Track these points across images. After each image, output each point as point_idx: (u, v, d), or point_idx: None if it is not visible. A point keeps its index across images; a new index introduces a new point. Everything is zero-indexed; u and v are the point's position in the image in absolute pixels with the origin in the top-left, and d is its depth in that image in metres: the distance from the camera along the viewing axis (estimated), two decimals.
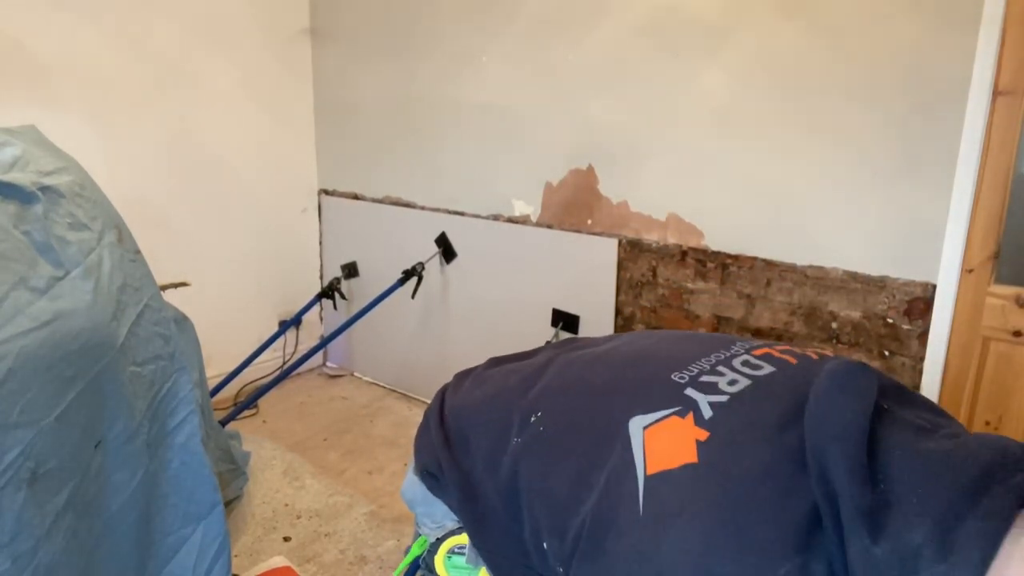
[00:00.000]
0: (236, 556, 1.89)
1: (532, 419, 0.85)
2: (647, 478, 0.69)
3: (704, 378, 0.78)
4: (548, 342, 2.48)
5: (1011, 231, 1.71)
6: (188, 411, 1.59)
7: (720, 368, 0.80)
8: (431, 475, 0.97)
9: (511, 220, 2.62)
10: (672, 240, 2.23)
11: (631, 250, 2.33)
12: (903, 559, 0.56)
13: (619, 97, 2.26)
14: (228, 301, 2.98)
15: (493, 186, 2.66)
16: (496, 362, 1.08)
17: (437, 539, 1.01)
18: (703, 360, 0.82)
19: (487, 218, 2.69)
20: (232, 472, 2.14)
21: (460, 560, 0.98)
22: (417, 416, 2.89)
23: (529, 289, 2.59)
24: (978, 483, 0.58)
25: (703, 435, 0.70)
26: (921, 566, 0.55)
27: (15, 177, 1.33)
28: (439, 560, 1.00)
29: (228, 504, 2.08)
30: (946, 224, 1.76)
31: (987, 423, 1.79)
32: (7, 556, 1.14)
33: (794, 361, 0.81)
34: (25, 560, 1.17)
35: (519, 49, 2.48)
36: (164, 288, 2.59)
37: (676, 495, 0.67)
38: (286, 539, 2.01)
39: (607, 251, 2.37)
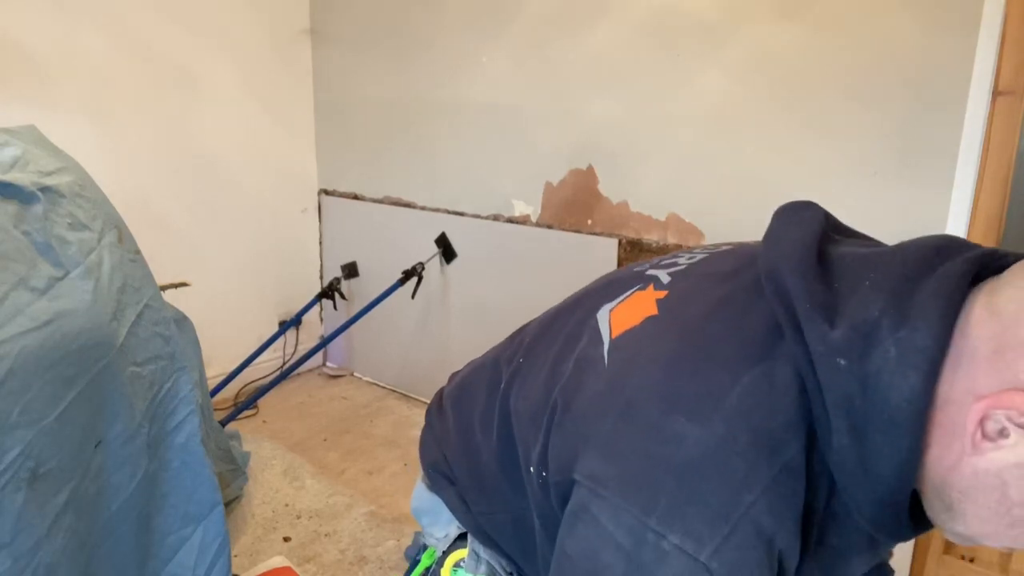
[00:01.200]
0: (236, 556, 1.89)
1: (516, 358, 0.86)
2: (612, 340, 0.70)
3: (664, 261, 0.82)
4: None
5: (1011, 231, 1.71)
6: (188, 411, 1.59)
7: (680, 254, 0.83)
8: (438, 472, 0.97)
9: (511, 220, 2.62)
10: (672, 240, 2.23)
11: (631, 250, 2.33)
12: (863, 334, 0.55)
13: (619, 97, 2.26)
14: (228, 301, 2.99)
15: (493, 186, 2.66)
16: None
17: (444, 552, 1.01)
18: (666, 256, 0.86)
19: (487, 218, 2.69)
20: (232, 472, 2.14)
21: (465, 573, 0.97)
22: (417, 416, 2.89)
23: (529, 289, 2.59)
24: (930, 259, 0.58)
25: (662, 294, 0.72)
26: (882, 336, 0.54)
27: (15, 177, 1.33)
28: (446, 572, 0.99)
29: (228, 504, 2.08)
30: (946, 224, 1.76)
31: None
32: (7, 556, 1.14)
33: (754, 244, 0.83)
34: (25, 560, 1.17)
35: (519, 49, 2.48)
36: (164, 288, 2.59)
37: (638, 341, 0.68)
38: (286, 539, 2.01)
39: (607, 251, 2.37)
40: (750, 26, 1.97)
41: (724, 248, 0.81)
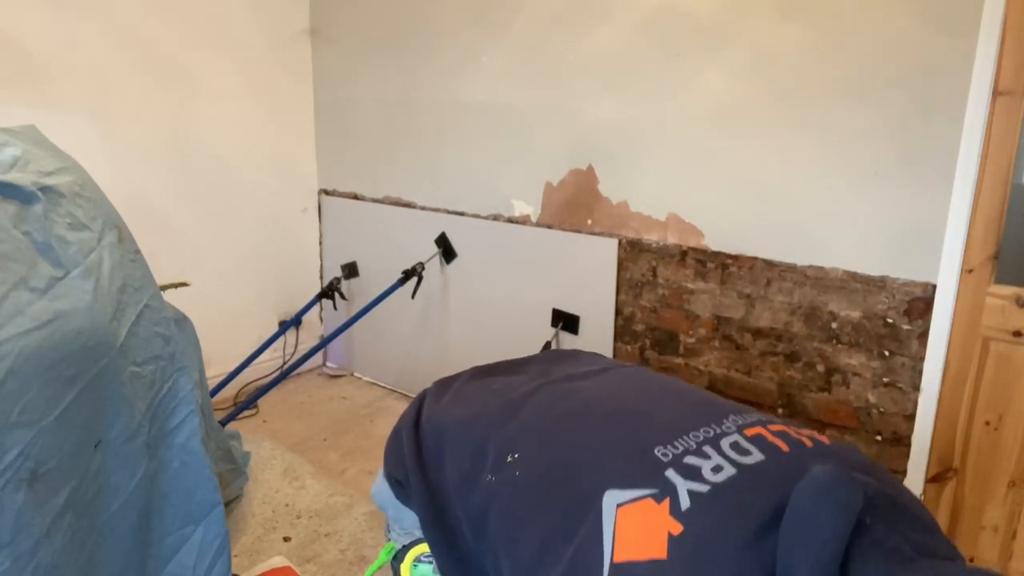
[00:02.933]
0: (236, 556, 1.89)
1: (508, 459, 0.83)
2: (613, 565, 0.67)
3: (688, 459, 0.75)
4: (548, 343, 2.48)
5: (1011, 231, 1.71)
6: (188, 411, 1.59)
7: (706, 449, 0.77)
8: (398, 482, 0.97)
9: (511, 220, 2.62)
10: (672, 240, 2.23)
11: (631, 250, 2.33)
12: None
13: (619, 97, 2.27)
14: (228, 301, 2.99)
15: (493, 186, 2.66)
16: (480, 373, 1.06)
17: (404, 546, 1.01)
18: (691, 435, 0.79)
19: (487, 218, 2.69)
20: (232, 472, 2.14)
21: (427, 568, 0.97)
22: None
23: (529, 289, 2.59)
24: None
25: (677, 528, 0.67)
26: None
27: (15, 177, 1.33)
28: (405, 568, 1.00)
29: (228, 504, 2.08)
30: (946, 224, 1.76)
31: (987, 423, 1.79)
32: (7, 556, 1.14)
33: (786, 449, 0.77)
34: (25, 560, 1.17)
35: (519, 49, 2.48)
36: (164, 288, 2.58)
37: None
38: (286, 539, 2.01)
39: (607, 251, 2.37)
40: (750, 26, 1.97)
41: (755, 459, 0.74)
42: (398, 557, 1.02)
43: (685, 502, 0.69)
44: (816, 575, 0.59)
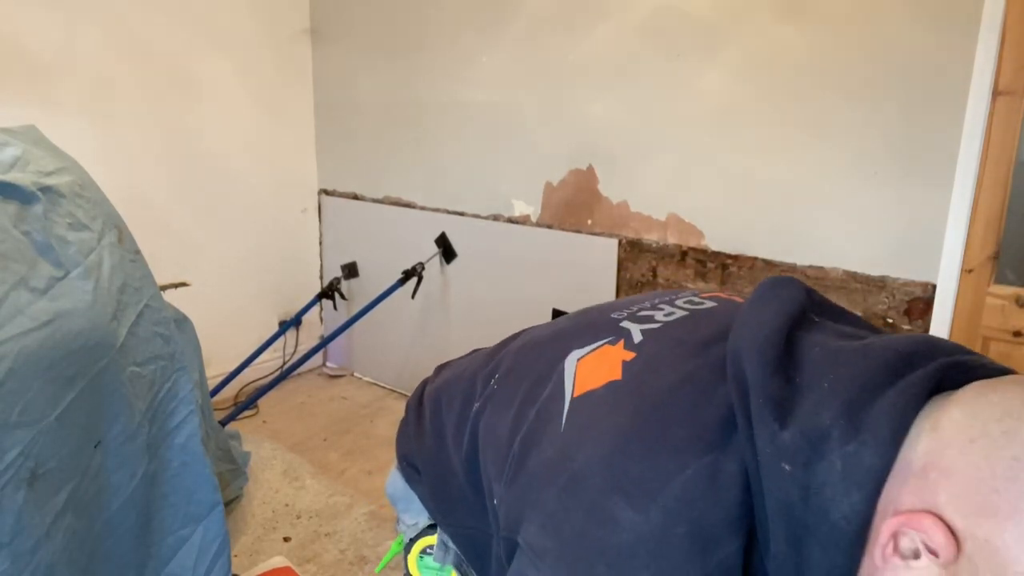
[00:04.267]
0: (236, 556, 1.89)
1: (491, 382, 0.85)
2: (573, 400, 0.69)
3: (642, 312, 0.78)
4: None
5: (1011, 231, 1.71)
6: (188, 411, 1.59)
7: (661, 304, 0.80)
8: (411, 466, 0.98)
9: (511, 220, 2.62)
10: (672, 240, 2.23)
11: (631, 250, 2.33)
12: (811, 442, 0.53)
13: (619, 97, 2.26)
14: (228, 301, 2.99)
15: (493, 186, 2.66)
16: (477, 351, 1.09)
17: (411, 539, 1.02)
18: (647, 301, 0.82)
19: (487, 218, 2.69)
20: (232, 472, 2.14)
21: (431, 560, 0.98)
22: None
23: (529, 289, 2.59)
24: (894, 366, 0.56)
25: (630, 355, 0.70)
26: (830, 447, 0.53)
27: (15, 177, 1.33)
28: (412, 560, 1.00)
29: (228, 504, 2.08)
30: (946, 224, 1.76)
31: None
32: (7, 556, 1.14)
33: (740, 300, 0.79)
34: (24, 560, 1.17)
35: (519, 49, 2.48)
36: (164, 288, 2.59)
37: (596, 409, 0.66)
38: (286, 539, 2.01)
39: (607, 251, 2.37)
40: (750, 26, 1.97)
41: (707, 306, 0.78)
42: (405, 549, 1.03)
43: (638, 337, 0.72)
44: (761, 345, 0.60)
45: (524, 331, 0.99)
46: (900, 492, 0.51)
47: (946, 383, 0.56)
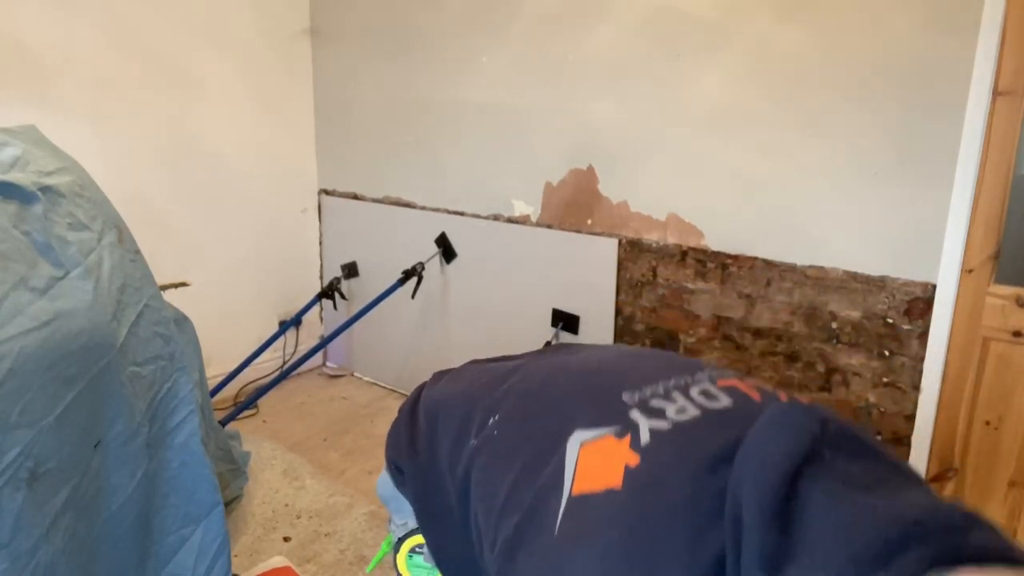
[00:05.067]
0: (236, 556, 1.89)
1: (491, 421, 0.84)
2: (570, 498, 0.68)
3: (654, 402, 0.75)
4: (548, 343, 2.48)
5: (1011, 231, 1.71)
6: (188, 411, 1.59)
7: (675, 394, 0.76)
8: (399, 470, 0.98)
9: (511, 220, 2.62)
10: (672, 240, 2.23)
11: (631, 250, 2.33)
12: None
13: (619, 97, 2.26)
14: (228, 301, 2.99)
15: (493, 186, 2.66)
16: (476, 363, 1.08)
17: (399, 538, 1.02)
18: (661, 382, 0.79)
19: (487, 218, 2.69)
20: (232, 472, 2.14)
21: (421, 560, 0.98)
22: None
23: (529, 289, 2.59)
24: (893, 544, 0.54)
25: (634, 460, 0.67)
26: None
27: (15, 177, 1.33)
28: (401, 559, 1.01)
29: (228, 504, 2.08)
30: (946, 224, 1.76)
31: (987, 423, 1.79)
32: (6, 556, 1.14)
33: (758, 398, 0.76)
34: (24, 560, 1.17)
35: (519, 49, 2.48)
36: (164, 288, 2.59)
37: (591, 519, 0.65)
38: (286, 539, 2.01)
39: (607, 251, 2.37)
40: (750, 26, 1.97)
41: (721, 404, 0.74)
42: (394, 549, 1.03)
43: (645, 438, 0.70)
44: (762, 491, 0.58)
45: (527, 362, 0.97)
46: None
47: (941, 561, 0.55)
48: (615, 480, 0.67)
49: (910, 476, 0.67)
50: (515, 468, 0.76)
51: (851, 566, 0.53)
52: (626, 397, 0.77)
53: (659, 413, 0.73)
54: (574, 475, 0.70)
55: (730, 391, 0.77)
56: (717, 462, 0.66)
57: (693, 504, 0.63)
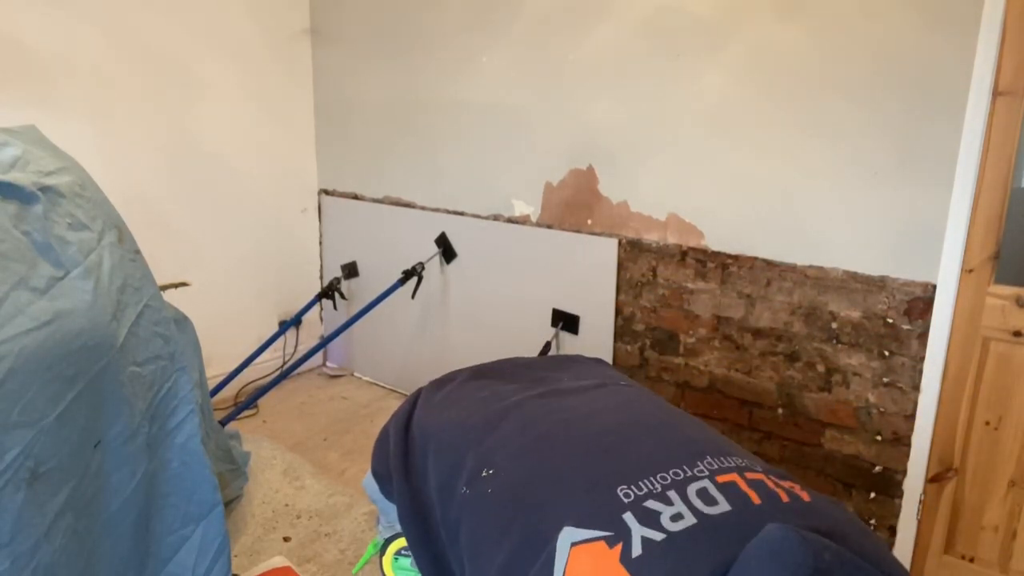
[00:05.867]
0: (236, 556, 1.89)
1: (483, 473, 0.84)
2: None
3: (649, 503, 0.74)
4: (548, 343, 2.48)
5: (1011, 231, 1.71)
6: (188, 411, 1.59)
7: (671, 494, 0.75)
8: (382, 478, 0.99)
9: (511, 220, 2.62)
10: (672, 240, 2.23)
11: (631, 250, 2.33)
12: None
13: (619, 97, 2.27)
14: (228, 301, 2.99)
15: (493, 186, 2.66)
16: (476, 375, 1.07)
17: (386, 540, 1.03)
18: (659, 476, 0.78)
19: (487, 218, 2.69)
20: (232, 472, 2.14)
21: (406, 562, 0.99)
22: None
23: (529, 289, 2.59)
24: None
25: None
26: None
27: (15, 177, 1.33)
28: (387, 562, 1.02)
29: (228, 504, 2.08)
30: (946, 224, 1.76)
31: (987, 423, 1.79)
32: (6, 556, 1.14)
33: (757, 501, 0.75)
34: (24, 560, 1.17)
35: (519, 49, 2.48)
36: (164, 288, 2.59)
37: None
38: (286, 539, 2.01)
39: (607, 251, 2.37)
40: (750, 26, 1.97)
41: (720, 511, 0.73)
42: (382, 550, 1.04)
43: (637, 549, 0.68)
44: None
45: (522, 400, 0.96)
46: None
47: None
48: None
49: None
50: (504, 549, 0.76)
51: None
52: (621, 493, 0.76)
53: (654, 519, 0.72)
54: (564, 574, 0.70)
55: (728, 490, 0.76)
56: None
57: None
